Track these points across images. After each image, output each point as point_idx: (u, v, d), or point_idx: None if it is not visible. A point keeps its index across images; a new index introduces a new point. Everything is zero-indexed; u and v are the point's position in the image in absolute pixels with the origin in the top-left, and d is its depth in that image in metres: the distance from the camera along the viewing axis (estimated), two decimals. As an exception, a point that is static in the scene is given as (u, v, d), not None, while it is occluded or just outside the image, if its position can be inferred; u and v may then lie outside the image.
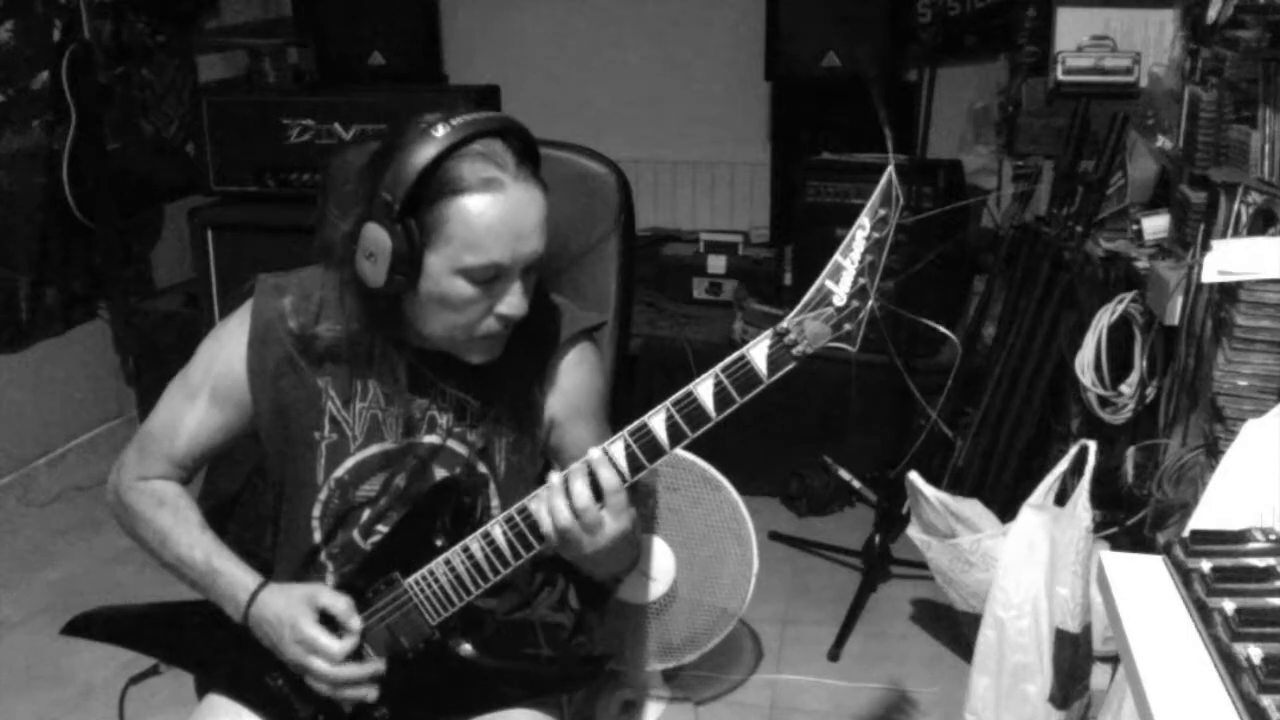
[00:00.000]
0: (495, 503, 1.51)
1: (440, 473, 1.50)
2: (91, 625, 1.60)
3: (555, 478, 1.32)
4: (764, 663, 2.68)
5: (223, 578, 1.47)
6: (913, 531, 2.53)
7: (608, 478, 1.30)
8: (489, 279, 1.37)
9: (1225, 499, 1.45)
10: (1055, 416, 2.92)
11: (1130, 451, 2.43)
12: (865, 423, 3.23)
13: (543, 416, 1.53)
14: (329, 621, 1.42)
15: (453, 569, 1.40)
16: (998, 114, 3.65)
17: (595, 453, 1.30)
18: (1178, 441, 2.27)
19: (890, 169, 1.23)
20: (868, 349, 1.29)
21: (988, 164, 3.63)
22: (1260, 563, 1.07)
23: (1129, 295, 2.51)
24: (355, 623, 1.42)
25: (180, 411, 1.52)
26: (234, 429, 1.53)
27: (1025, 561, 2.16)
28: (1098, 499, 2.16)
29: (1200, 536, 1.12)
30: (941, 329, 2.94)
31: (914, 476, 2.51)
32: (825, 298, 1.25)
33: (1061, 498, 2.22)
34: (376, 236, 1.33)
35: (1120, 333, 2.53)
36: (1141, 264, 2.49)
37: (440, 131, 1.32)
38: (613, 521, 1.32)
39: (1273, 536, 1.11)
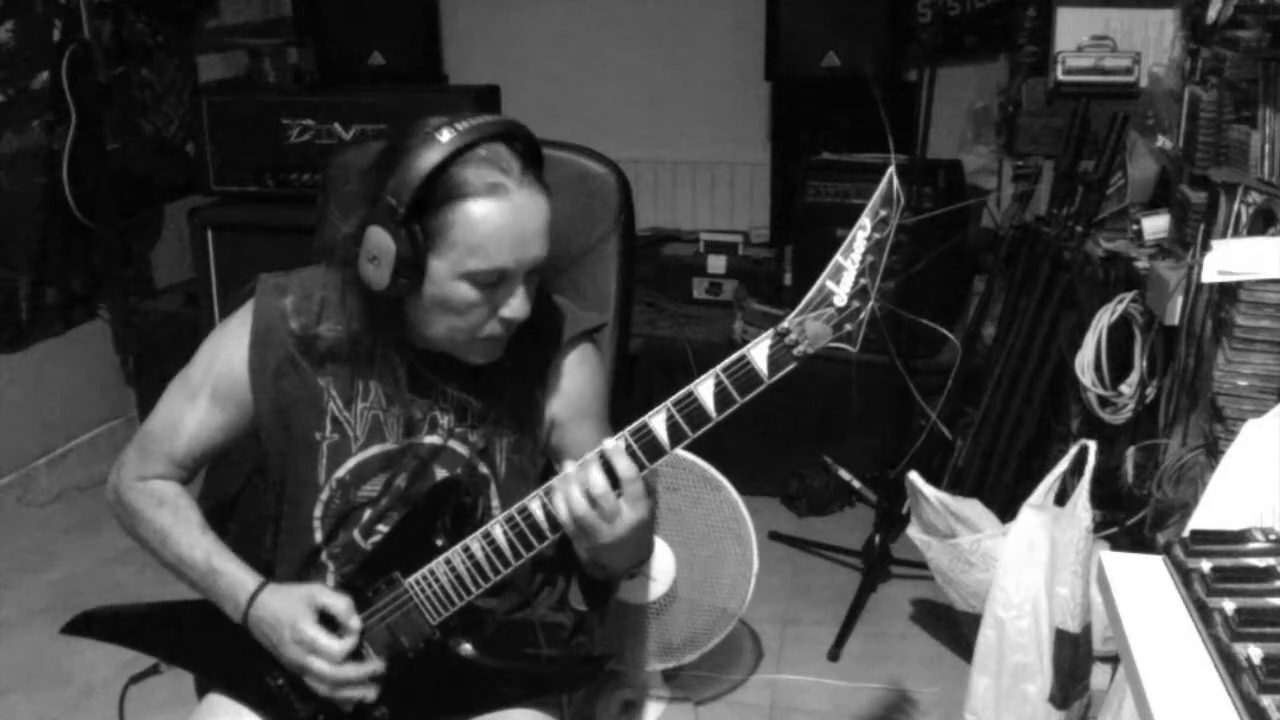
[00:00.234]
0: (496, 503, 1.51)
1: (441, 473, 1.50)
2: (92, 624, 1.60)
3: (570, 467, 1.32)
4: (764, 663, 2.68)
5: (223, 578, 1.47)
6: (913, 531, 2.53)
7: (625, 466, 1.29)
8: (492, 283, 1.37)
9: (1225, 499, 1.45)
10: (1055, 416, 2.92)
11: (1130, 451, 2.43)
12: (865, 423, 3.23)
13: (544, 417, 1.53)
14: (329, 621, 1.42)
15: (453, 569, 1.40)
16: (998, 114, 3.65)
17: (610, 443, 1.30)
18: (1178, 441, 2.27)
19: (891, 170, 1.23)
20: (868, 349, 1.30)
21: (988, 164, 3.63)
22: (1260, 563, 1.07)
23: (1129, 295, 2.51)
24: (355, 622, 1.42)
25: (181, 411, 1.52)
26: (235, 429, 1.53)
27: (1025, 561, 2.16)
28: (1098, 499, 2.16)
29: (1200, 536, 1.12)
30: (941, 330, 2.94)
31: (914, 476, 2.51)
32: (826, 298, 1.25)
33: (1061, 498, 2.22)
34: (380, 240, 1.33)
35: (1120, 333, 2.53)
36: (1141, 264, 2.49)
37: (445, 136, 1.32)
38: (630, 510, 1.31)
39: (1273, 536, 1.11)
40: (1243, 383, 1.97)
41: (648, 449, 1.30)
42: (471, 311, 1.38)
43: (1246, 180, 2.05)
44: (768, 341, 1.27)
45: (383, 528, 1.50)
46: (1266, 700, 0.88)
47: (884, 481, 3.07)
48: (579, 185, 1.76)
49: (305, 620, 1.41)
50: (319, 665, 1.41)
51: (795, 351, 1.26)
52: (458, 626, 1.44)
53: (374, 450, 1.49)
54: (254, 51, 4.05)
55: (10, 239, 3.35)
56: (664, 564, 2.31)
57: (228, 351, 1.51)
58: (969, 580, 2.42)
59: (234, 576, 1.46)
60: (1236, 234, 2.06)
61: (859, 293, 1.24)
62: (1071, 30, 2.93)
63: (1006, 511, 2.41)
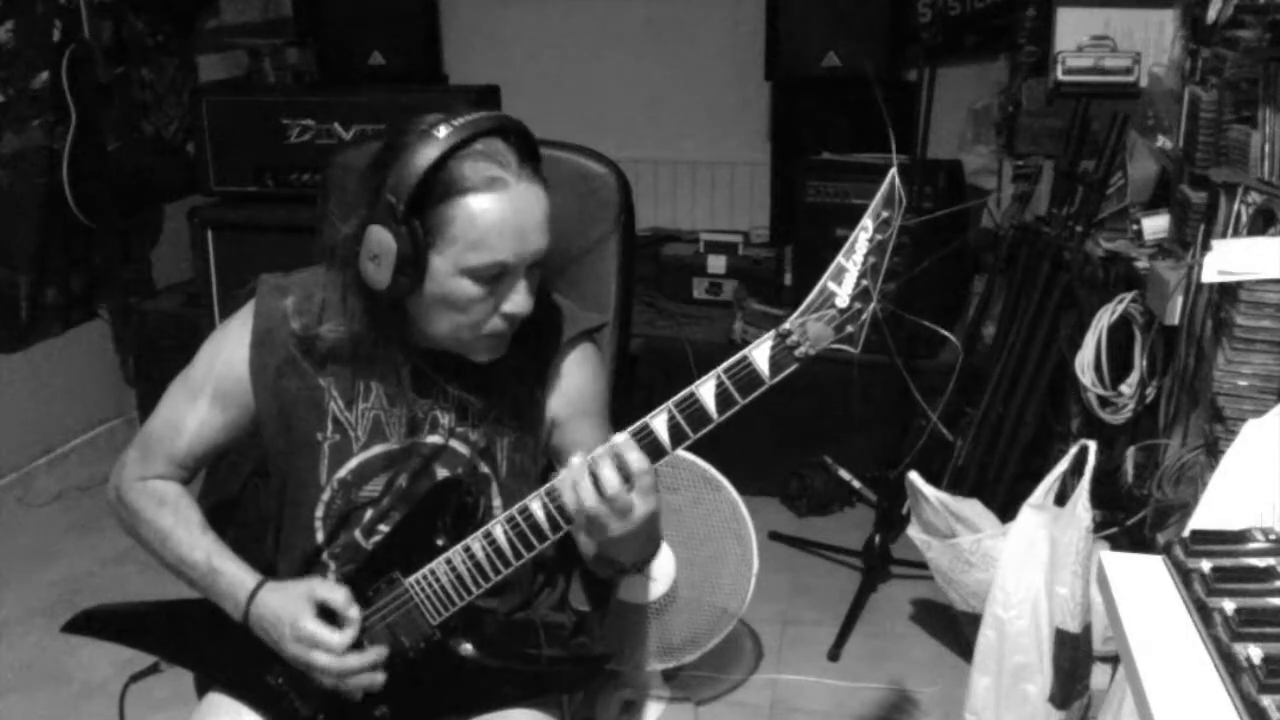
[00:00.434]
0: (497, 502, 1.51)
1: (442, 473, 1.50)
2: (92, 623, 1.60)
3: (577, 459, 1.30)
4: (764, 663, 2.68)
5: (223, 578, 1.47)
6: (913, 531, 2.53)
7: (635, 459, 1.28)
8: (494, 278, 1.37)
9: (1225, 499, 1.45)
10: (1055, 416, 2.92)
11: (1130, 451, 2.43)
12: (866, 423, 3.23)
13: (544, 416, 1.53)
14: (328, 615, 1.42)
15: (454, 568, 1.40)
16: (998, 114, 3.65)
17: (621, 437, 1.29)
18: (1178, 441, 2.28)
19: (893, 171, 1.22)
20: (868, 349, 1.29)
21: (988, 164, 3.63)
22: (1260, 563, 1.07)
23: (1129, 295, 2.52)
24: (354, 611, 1.42)
25: (182, 411, 1.52)
26: (236, 429, 1.53)
27: (1025, 561, 2.16)
28: (1098, 499, 2.17)
29: (1200, 536, 1.12)
30: (942, 330, 2.94)
31: (914, 476, 2.51)
32: (828, 299, 1.25)
33: (1061, 498, 2.22)
34: (381, 238, 1.34)
35: (1120, 333, 2.53)
36: (1141, 264, 2.49)
37: (442, 132, 1.32)
38: (642, 504, 1.30)
39: (1273, 536, 1.11)
40: (1243, 383, 1.97)
41: (649, 450, 1.29)
42: (474, 307, 1.38)
43: (1246, 180, 2.05)
44: (769, 342, 1.26)
45: (384, 528, 1.50)
46: (1266, 700, 0.89)
47: (884, 481, 3.07)
48: (579, 185, 1.76)
49: (305, 616, 1.41)
50: (322, 659, 1.41)
51: (797, 353, 1.26)
52: (458, 626, 1.44)
53: (375, 450, 1.50)
54: (254, 52, 4.05)
55: (10, 239, 3.35)
56: (664, 564, 2.31)
57: (228, 352, 1.51)
58: (969, 580, 2.42)
59: (234, 576, 1.47)
60: (1236, 234, 2.06)
61: (861, 294, 1.24)
62: (1071, 30, 2.93)
63: (1006, 511, 2.41)
